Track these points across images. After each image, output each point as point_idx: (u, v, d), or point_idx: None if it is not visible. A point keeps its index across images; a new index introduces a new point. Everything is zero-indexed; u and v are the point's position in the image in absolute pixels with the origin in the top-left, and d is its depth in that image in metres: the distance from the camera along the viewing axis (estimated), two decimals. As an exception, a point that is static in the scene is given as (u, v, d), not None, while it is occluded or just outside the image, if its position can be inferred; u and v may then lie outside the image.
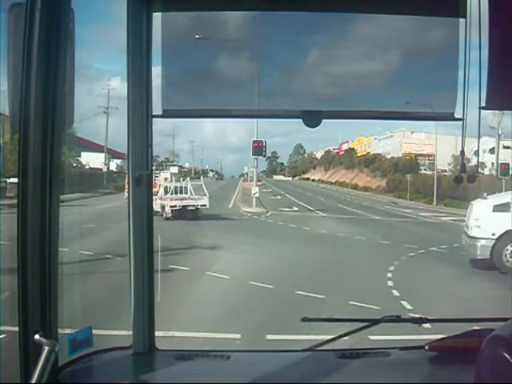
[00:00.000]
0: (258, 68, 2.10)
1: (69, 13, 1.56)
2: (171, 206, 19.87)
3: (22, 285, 1.51)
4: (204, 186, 21.91)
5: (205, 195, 21.50)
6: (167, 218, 19.59)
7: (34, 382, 1.42)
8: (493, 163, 44.06)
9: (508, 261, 12.91)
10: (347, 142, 77.92)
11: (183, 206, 20.34)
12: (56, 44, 1.50)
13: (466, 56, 1.83)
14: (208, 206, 21.21)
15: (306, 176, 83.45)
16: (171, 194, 21.69)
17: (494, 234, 12.78)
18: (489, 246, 12.71)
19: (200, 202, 20.83)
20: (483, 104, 1.81)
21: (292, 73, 2.15)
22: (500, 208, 13.32)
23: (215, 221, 22.61)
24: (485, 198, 14.12)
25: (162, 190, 21.70)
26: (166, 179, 24.35)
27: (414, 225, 25.20)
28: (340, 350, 2.14)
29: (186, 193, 22.03)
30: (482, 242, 12.83)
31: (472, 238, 13.06)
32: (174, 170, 31.16)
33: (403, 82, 2.13)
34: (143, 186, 2.05)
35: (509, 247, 12.91)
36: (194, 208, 20.64)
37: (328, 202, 38.63)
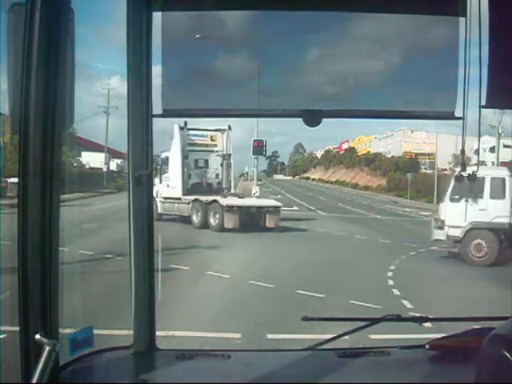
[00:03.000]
0: (258, 67, 2.10)
1: (69, 12, 1.55)
2: None
3: (23, 285, 1.51)
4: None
5: None
6: None
7: (34, 381, 1.42)
8: (493, 162, 43.99)
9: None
10: (347, 141, 77.91)
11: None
12: (56, 44, 1.49)
13: (466, 55, 1.83)
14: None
15: (306, 175, 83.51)
16: None
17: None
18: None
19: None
20: (483, 103, 1.81)
21: (292, 72, 2.14)
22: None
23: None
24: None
25: None
26: None
27: (415, 224, 25.18)
28: (340, 349, 2.14)
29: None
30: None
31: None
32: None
33: (403, 81, 2.13)
34: (143, 186, 2.05)
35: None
36: None
37: (328, 201, 38.65)
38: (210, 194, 20.61)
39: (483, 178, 13.93)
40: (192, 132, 20.79)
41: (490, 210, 13.83)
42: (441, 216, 14.70)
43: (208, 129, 21.13)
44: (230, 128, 20.91)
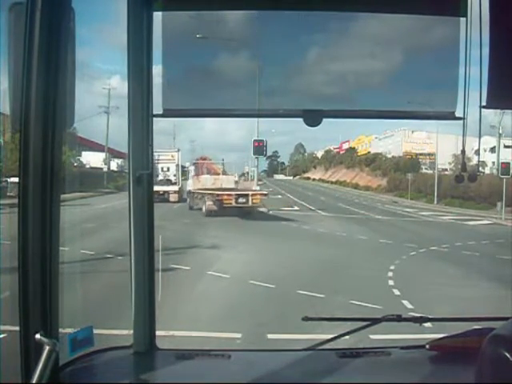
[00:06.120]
0: (258, 67, 2.10)
1: (69, 12, 1.55)
2: None
3: (23, 284, 1.50)
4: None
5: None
6: None
7: (34, 381, 1.42)
8: (493, 162, 44.05)
9: None
10: (348, 141, 77.99)
11: None
12: (56, 43, 1.49)
13: (467, 55, 1.83)
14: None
15: (306, 175, 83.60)
16: None
17: None
18: None
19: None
20: (484, 103, 1.81)
21: (293, 72, 2.14)
22: None
23: (216, 220, 22.78)
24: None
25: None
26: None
27: (415, 224, 25.21)
28: (341, 350, 2.14)
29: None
30: None
31: None
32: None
33: (404, 81, 2.13)
34: (144, 186, 2.05)
35: None
36: None
37: (328, 201, 38.70)
38: (169, 185, 34.64)
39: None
40: (160, 152, 34.14)
41: (191, 184, 30.43)
42: (188, 185, 31.43)
43: (169, 150, 36.39)
44: (179, 150, 38.05)
